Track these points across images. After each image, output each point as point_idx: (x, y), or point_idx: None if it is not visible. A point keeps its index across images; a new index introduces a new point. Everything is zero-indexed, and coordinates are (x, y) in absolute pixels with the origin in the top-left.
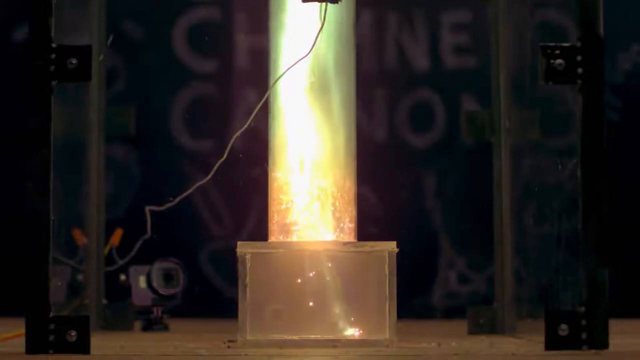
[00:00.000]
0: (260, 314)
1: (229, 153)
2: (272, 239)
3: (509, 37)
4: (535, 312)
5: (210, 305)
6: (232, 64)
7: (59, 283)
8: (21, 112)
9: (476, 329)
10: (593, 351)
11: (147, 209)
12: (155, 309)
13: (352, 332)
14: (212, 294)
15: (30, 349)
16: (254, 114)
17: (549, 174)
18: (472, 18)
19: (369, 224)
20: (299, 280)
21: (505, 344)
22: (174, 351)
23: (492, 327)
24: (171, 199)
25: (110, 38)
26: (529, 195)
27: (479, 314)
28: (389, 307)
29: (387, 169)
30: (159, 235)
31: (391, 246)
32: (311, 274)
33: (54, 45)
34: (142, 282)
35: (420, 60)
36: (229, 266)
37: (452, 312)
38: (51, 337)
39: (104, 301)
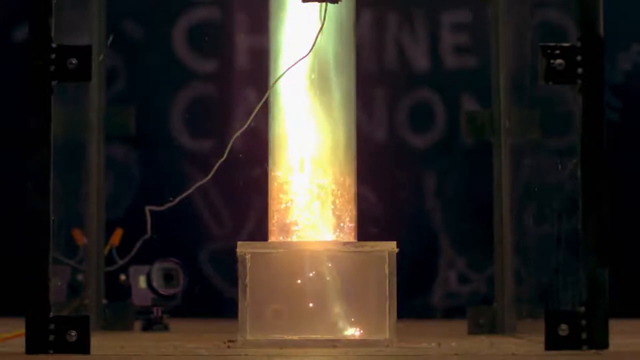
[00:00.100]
0: (260, 314)
1: (229, 153)
2: (272, 239)
3: (509, 37)
4: (535, 312)
5: (210, 305)
6: (232, 64)
7: (59, 283)
8: (21, 112)
9: (476, 329)
10: (593, 351)
11: (147, 209)
12: (155, 309)
13: (352, 332)
14: (212, 294)
15: (30, 349)
16: (254, 114)
17: (549, 174)
18: (472, 18)
19: (369, 224)
20: (299, 281)
21: (505, 344)
22: (174, 351)
23: (492, 327)
24: (171, 199)
25: (110, 38)
26: (529, 195)
27: (479, 314)
28: (389, 307)
29: (387, 169)
30: (159, 235)
31: (391, 246)
32: (311, 274)
33: (54, 45)
34: (142, 282)
35: (420, 60)
36: (229, 266)
37: (452, 312)
38: (51, 337)
39: (104, 301)
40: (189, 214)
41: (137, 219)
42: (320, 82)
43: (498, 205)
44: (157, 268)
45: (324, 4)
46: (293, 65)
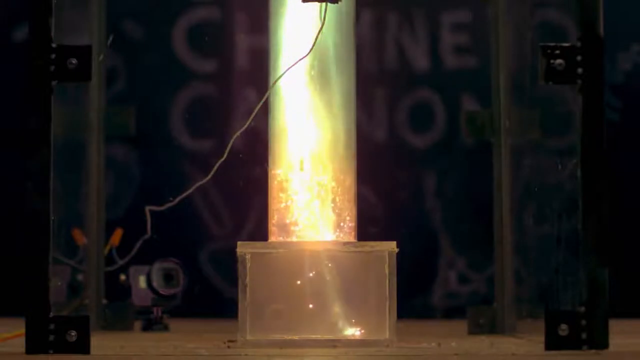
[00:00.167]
0: (260, 314)
1: (229, 153)
2: (272, 239)
3: (509, 37)
4: (535, 312)
5: (210, 305)
6: (232, 64)
7: (59, 283)
8: (21, 112)
9: (476, 329)
10: (593, 351)
11: (147, 209)
12: (155, 309)
13: (352, 332)
14: (212, 294)
15: (30, 349)
16: (253, 114)
17: (549, 174)
18: (472, 18)
19: (369, 223)
20: (299, 281)
21: (505, 344)
22: (174, 351)
23: (492, 327)
24: (171, 199)
25: (110, 38)
26: (529, 195)
27: (479, 314)
28: (389, 307)
29: (387, 169)
30: (159, 235)
31: (391, 246)
32: (311, 274)
33: (54, 45)
34: (142, 282)
35: (420, 60)
36: (229, 266)
37: (452, 312)
38: (51, 337)
39: (104, 301)
40: (189, 214)
41: (137, 219)
42: (320, 78)
43: (498, 205)
44: (157, 268)
45: (324, 3)
46: (293, 65)
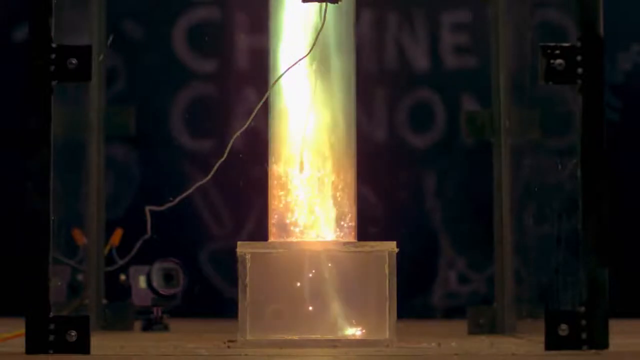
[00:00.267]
0: (260, 314)
1: (229, 153)
2: (272, 239)
3: (509, 37)
4: (535, 312)
5: (210, 305)
6: (232, 64)
7: (59, 283)
8: (21, 112)
9: (476, 329)
10: (593, 351)
11: (147, 209)
12: (155, 309)
13: (353, 332)
14: (212, 294)
15: (30, 349)
16: (254, 113)
17: (549, 174)
18: (472, 18)
19: (369, 223)
20: (299, 280)
21: (505, 344)
22: (174, 351)
23: (492, 327)
24: (171, 199)
25: (110, 38)
26: (529, 195)
27: (479, 314)
28: (389, 307)
29: (387, 169)
30: (159, 235)
31: (391, 246)
32: (311, 274)
33: (54, 45)
34: (142, 282)
35: (420, 60)
36: (229, 266)
37: (452, 312)
38: (51, 337)
39: (104, 301)
40: (189, 214)
41: (137, 219)
42: (321, 73)
43: (498, 205)
44: (157, 268)
45: (324, 4)
46: (293, 65)
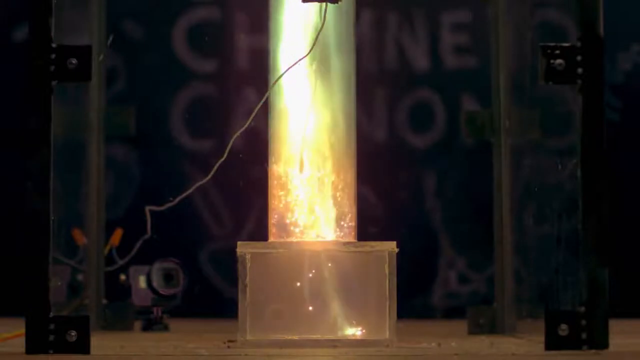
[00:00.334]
0: (260, 314)
1: (229, 153)
2: (272, 239)
3: (509, 37)
4: (535, 312)
5: (210, 305)
6: (232, 64)
7: (59, 283)
8: (21, 112)
9: (476, 329)
10: (593, 351)
11: (147, 209)
12: (155, 309)
13: (353, 332)
14: (212, 294)
15: (30, 349)
16: (253, 114)
17: (549, 174)
18: (472, 18)
19: (369, 223)
20: (299, 280)
21: (505, 344)
22: (174, 351)
23: (492, 327)
24: (171, 199)
25: (110, 38)
26: (529, 195)
27: (479, 314)
28: (389, 307)
29: (387, 169)
30: (159, 235)
31: (391, 246)
32: (311, 274)
33: (54, 45)
34: (142, 282)
35: (420, 60)
36: (229, 266)
37: (452, 312)
38: (51, 337)
39: (104, 301)
40: (189, 214)
41: (137, 219)
42: (321, 73)
43: (498, 205)
44: (157, 268)
45: (323, 4)
46: (293, 65)
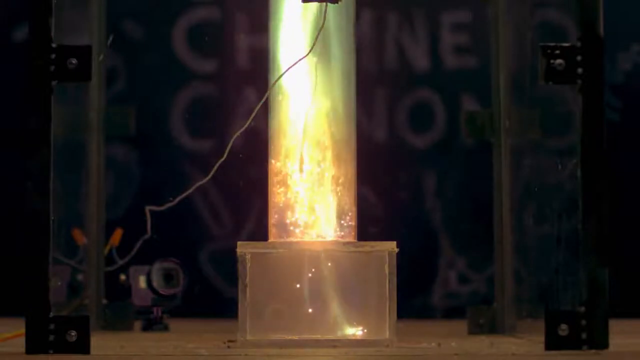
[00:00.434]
0: (260, 314)
1: (229, 153)
2: (272, 238)
3: (509, 37)
4: (535, 312)
5: (210, 305)
6: (232, 64)
7: (59, 283)
8: (21, 112)
9: (476, 329)
10: (593, 351)
11: (147, 209)
12: (155, 309)
13: (353, 332)
14: (212, 294)
15: (30, 349)
16: (253, 114)
17: (549, 174)
18: (472, 18)
19: (369, 223)
20: (299, 280)
21: (505, 344)
22: (174, 351)
23: (492, 327)
24: (171, 199)
25: (110, 38)
26: (529, 195)
27: (479, 314)
28: (389, 307)
29: (387, 169)
30: (159, 235)
31: (391, 246)
32: (311, 274)
33: (54, 45)
34: (142, 282)
35: (420, 60)
36: (229, 266)
37: (452, 312)
38: (51, 337)
39: (104, 301)
40: (189, 214)
41: (137, 219)
42: (322, 70)
43: (498, 205)
44: (157, 268)
45: (324, 3)
46: (293, 65)
